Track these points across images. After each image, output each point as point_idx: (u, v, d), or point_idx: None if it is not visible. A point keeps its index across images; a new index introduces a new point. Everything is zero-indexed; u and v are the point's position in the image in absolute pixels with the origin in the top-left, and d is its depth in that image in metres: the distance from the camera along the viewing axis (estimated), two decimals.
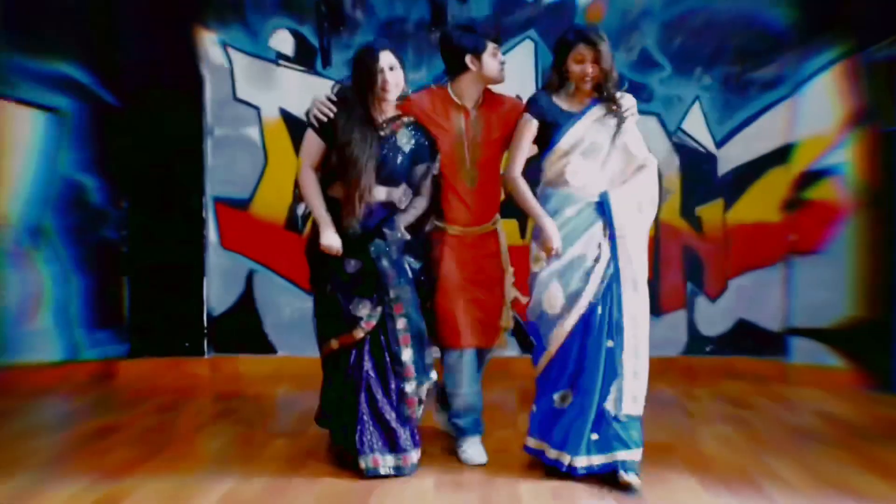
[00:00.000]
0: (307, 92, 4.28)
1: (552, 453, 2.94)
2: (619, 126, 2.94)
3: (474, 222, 3.16)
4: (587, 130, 2.94)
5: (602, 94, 2.93)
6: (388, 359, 3.03)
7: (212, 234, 4.63)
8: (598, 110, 2.95)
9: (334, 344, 3.04)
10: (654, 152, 3.12)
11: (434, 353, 3.22)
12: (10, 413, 3.90)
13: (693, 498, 2.78)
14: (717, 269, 4.59)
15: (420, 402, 3.08)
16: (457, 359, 3.19)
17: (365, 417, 3.01)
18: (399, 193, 3.04)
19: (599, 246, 2.91)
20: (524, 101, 3.08)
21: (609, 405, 2.91)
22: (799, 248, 4.55)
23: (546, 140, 2.95)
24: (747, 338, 4.60)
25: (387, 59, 2.92)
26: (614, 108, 2.92)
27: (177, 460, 3.15)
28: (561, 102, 2.97)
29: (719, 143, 4.55)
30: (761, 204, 4.58)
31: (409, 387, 3.05)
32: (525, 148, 3.01)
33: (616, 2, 4.47)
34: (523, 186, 2.99)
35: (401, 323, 3.03)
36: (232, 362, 4.68)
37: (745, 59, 4.52)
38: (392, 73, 2.92)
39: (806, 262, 4.54)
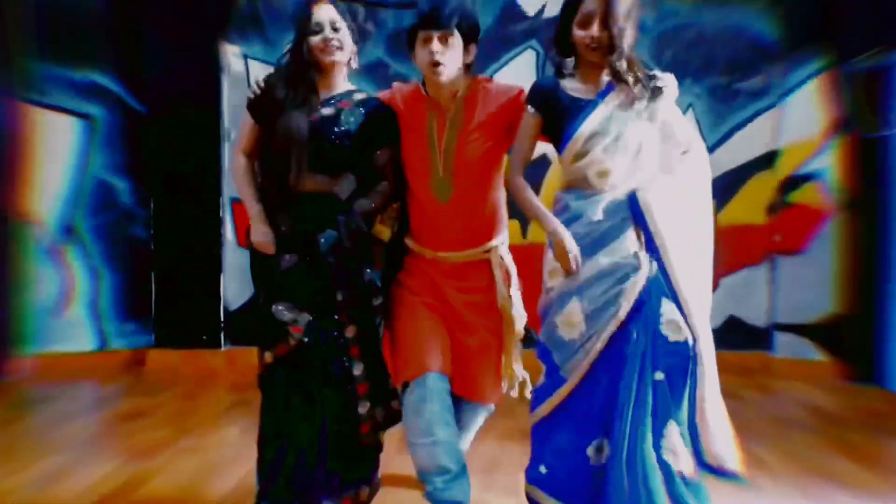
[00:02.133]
0: None
1: None
2: (648, 106, 2.21)
3: (450, 247, 2.31)
4: (609, 118, 2.21)
5: (615, 71, 2.18)
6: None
7: (229, 233, 4.64)
8: (619, 92, 2.21)
9: (268, 357, 2.32)
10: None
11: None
12: (45, 399, 4.00)
13: None
14: None
15: (376, 427, 2.32)
16: (408, 395, 2.27)
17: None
18: (340, 185, 2.33)
19: (636, 255, 2.23)
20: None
21: (668, 456, 2.16)
22: (784, 248, 4.59)
23: (558, 134, 2.25)
24: (736, 333, 4.61)
25: (327, 13, 2.21)
26: (638, 85, 2.17)
27: (198, 446, 3.21)
28: (570, 87, 2.26)
29: (711, 148, 4.53)
30: (749, 206, 4.62)
31: (363, 408, 2.29)
32: (526, 146, 2.30)
33: None
34: (522, 188, 2.29)
35: (350, 331, 2.29)
36: (246, 354, 4.48)
37: (732, 69, 4.58)
38: (335, 32, 2.22)
39: (790, 261, 4.59)
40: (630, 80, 2.12)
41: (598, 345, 2.16)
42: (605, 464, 2.16)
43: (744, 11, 4.55)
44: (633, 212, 2.20)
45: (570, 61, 2.26)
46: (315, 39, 2.17)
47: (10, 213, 4.38)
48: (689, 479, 2.16)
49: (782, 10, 4.50)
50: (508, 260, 2.35)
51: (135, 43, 4.58)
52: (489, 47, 4.49)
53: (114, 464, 2.96)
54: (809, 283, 4.53)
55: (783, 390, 4.27)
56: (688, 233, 2.25)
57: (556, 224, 2.17)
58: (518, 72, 4.50)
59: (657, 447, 2.14)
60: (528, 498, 2.27)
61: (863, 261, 4.38)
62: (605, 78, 2.18)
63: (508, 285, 2.31)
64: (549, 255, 2.26)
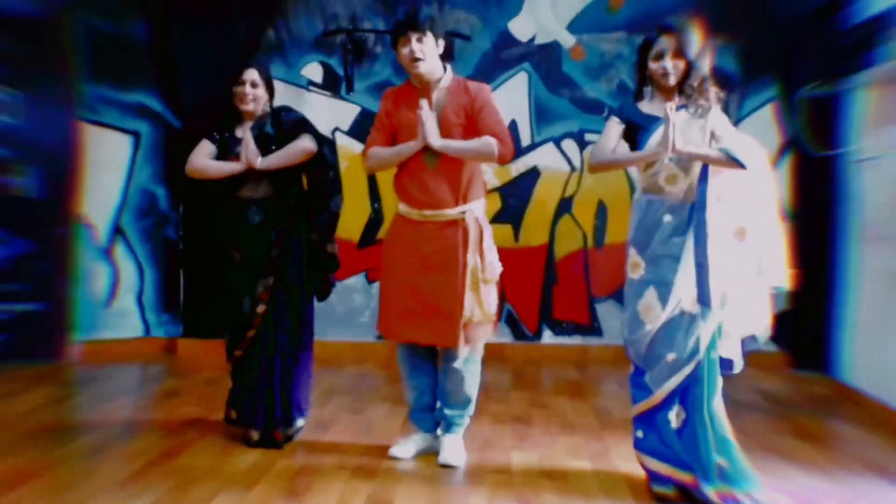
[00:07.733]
0: (332, 112, 4.67)
1: (682, 476, 2.54)
2: (705, 121, 2.46)
3: (434, 205, 2.76)
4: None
5: (685, 95, 2.47)
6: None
7: None
8: (684, 113, 2.47)
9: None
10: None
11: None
12: (96, 379, 4.27)
13: None
14: None
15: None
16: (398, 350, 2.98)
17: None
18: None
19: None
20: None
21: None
22: None
23: (634, 146, 2.55)
24: None
25: (250, 75, 3.02)
26: (698, 105, 2.45)
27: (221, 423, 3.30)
28: (644, 107, 2.57)
29: None
30: None
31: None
32: (611, 143, 2.53)
33: (593, 47, 4.75)
34: (608, 160, 2.54)
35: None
36: None
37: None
38: (252, 88, 3.02)
39: None
40: (698, 97, 2.43)
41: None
42: (681, 426, 2.52)
43: None
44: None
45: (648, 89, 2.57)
46: (237, 91, 3.03)
47: (69, 217, 4.68)
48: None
49: (740, 47, 4.64)
50: (483, 220, 2.77)
51: (174, 67, 4.77)
52: (488, 69, 4.73)
53: (154, 437, 3.15)
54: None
55: (738, 378, 4.07)
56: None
57: (653, 141, 2.42)
58: (512, 90, 4.71)
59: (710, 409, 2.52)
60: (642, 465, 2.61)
61: (808, 263, 4.32)
62: (675, 101, 2.45)
63: (481, 239, 2.74)
64: (632, 250, 2.54)
